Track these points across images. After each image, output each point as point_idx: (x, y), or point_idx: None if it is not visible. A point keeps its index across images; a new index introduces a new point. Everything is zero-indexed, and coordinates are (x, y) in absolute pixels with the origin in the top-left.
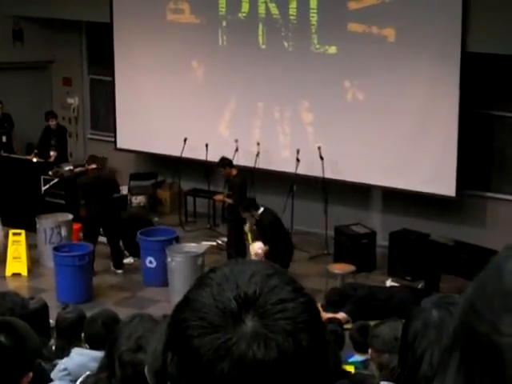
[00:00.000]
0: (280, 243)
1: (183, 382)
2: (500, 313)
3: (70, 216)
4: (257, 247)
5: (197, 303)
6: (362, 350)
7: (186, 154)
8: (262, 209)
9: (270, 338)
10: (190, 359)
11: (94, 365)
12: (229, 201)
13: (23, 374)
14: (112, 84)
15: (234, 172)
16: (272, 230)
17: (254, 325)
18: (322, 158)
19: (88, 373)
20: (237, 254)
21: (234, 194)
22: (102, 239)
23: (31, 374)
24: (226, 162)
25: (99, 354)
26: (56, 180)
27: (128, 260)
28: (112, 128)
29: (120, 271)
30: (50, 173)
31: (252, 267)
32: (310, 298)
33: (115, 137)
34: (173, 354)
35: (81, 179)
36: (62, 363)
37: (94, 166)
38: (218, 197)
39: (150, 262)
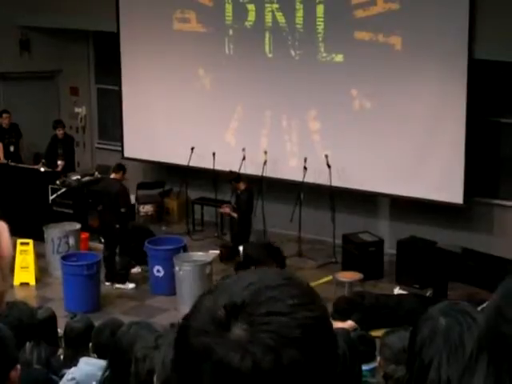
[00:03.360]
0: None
1: (179, 381)
2: None
3: (78, 225)
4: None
5: (196, 308)
6: (364, 359)
7: (194, 163)
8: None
9: (248, 351)
10: (182, 360)
11: None
12: (234, 215)
13: (10, 368)
14: (119, 93)
15: (242, 186)
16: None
17: (238, 334)
18: (329, 166)
19: (94, 383)
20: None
21: (239, 209)
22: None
23: (19, 367)
24: (232, 178)
25: None
26: (63, 189)
27: (136, 269)
28: (119, 137)
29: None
30: (58, 182)
31: (257, 277)
32: (315, 315)
33: (122, 146)
34: (174, 355)
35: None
36: (70, 373)
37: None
38: (225, 209)
39: (158, 271)
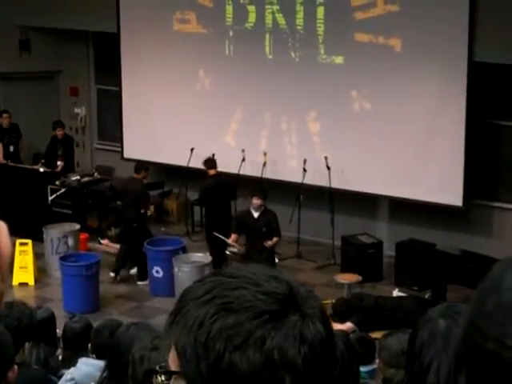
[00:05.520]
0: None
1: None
2: (503, 327)
3: (77, 226)
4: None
5: (236, 304)
6: (363, 361)
7: (193, 164)
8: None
9: (315, 321)
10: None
11: None
12: None
13: (7, 369)
14: (119, 94)
15: (211, 173)
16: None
17: (294, 319)
18: (328, 168)
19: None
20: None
21: (198, 196)
22: (101, 247)
23: (16, 367)
24: (204, 163)
25: None
26: (63, 190)
27: (134, 270)
28: (119, 138)
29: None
30: (57, 183)
31: (268, 269)
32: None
33: (122, 147)
34: (234, 353)
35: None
36: (69, 373)
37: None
38: None
39: (157, 272)
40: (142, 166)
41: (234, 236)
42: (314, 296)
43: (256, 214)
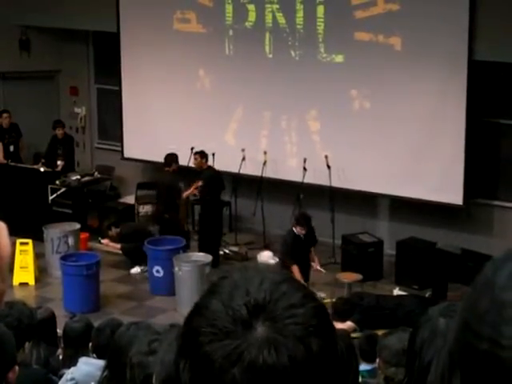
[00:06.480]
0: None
1: None
2: (498, 327)
3: (78, 225)
4: (267, 256)
5: (208, 310)
6: (368, 359)
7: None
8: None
9: (281, 343)
10: (202, 366)
11: None
12: (193, 190)
13: (8, 369)
14: (119, 93)
15: (206, 166)
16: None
17: (264, 330)
18: (328, 167)
19: (92, 383)
20: (211, 247)
21: (202, 186)
22: (101, 246)
23: (17, 368)
24: (200, 152)
25: None
26: (63, 189)
27: (135, 270)
28: (119, 137)
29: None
30: (58, 182)
31: (262, 274)
32: (321, 303)
33: (122, 146)
34: (185, 362)
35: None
36: (70, 373)
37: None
38: (186, 193)
39: (158, 271)
40: (170, 159)
41: (296, 267)
42: (298, 315)
43: (303, 236)
